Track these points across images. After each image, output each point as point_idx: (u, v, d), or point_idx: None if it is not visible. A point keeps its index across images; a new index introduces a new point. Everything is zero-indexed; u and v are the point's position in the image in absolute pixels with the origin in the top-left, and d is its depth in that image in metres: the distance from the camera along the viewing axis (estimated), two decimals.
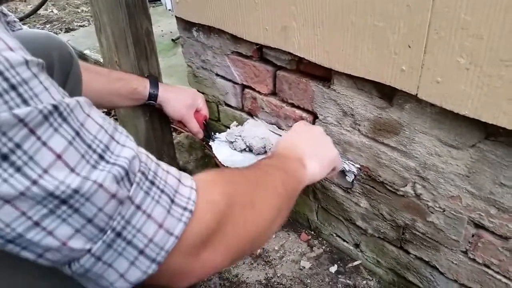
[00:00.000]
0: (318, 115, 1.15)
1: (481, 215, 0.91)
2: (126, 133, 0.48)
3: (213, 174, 0.56)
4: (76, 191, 0.39)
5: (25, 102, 0.37)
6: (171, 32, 2.85)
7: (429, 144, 0.92)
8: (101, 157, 0.42)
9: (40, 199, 0.38)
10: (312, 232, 1.47)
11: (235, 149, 1.13)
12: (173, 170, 0.51)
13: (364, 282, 1.28)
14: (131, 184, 0.44)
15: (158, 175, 0.47)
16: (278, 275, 1.31)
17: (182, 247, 0.47)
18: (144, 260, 0.45)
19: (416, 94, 0.85)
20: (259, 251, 1.39)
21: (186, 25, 1.46)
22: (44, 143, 0.38)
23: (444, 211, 0.98)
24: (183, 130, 1.88)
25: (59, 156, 0.39)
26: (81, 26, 3.57)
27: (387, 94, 0.95)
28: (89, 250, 0.42)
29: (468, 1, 0.70)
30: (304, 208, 1.44)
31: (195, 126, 1.20)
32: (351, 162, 1.14)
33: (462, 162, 0.89)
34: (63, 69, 0.93)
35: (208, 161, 1.71)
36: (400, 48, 0.84)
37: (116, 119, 1.80)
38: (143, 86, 1.17)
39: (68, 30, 3.42)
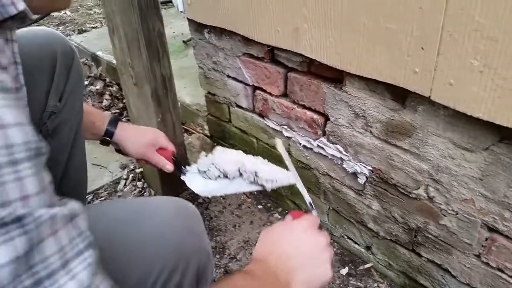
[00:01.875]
0: (330, 117, 1.15)
1: (495, 219, 0.90)
2: (91, 259, 0.41)
3: None
4: None
5: None
6: (182, 33, 2.86)
7: (442, 147, 0.92)
8: (37, 284, 0.37)
9: None
10: None
11: (209, 178, 1.11)
12: None
13: (375, 285, 1.28)
14: None
15: None
16: None
17: None
18: None
19: (429, 96, 0.85)
20: None
21: (197, 27, 1.46)
22: None
23: (457, 214, 0.97)
24: (194, 131, 1.89)
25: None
26: (93, 27, 3.60)
27: (399, 96, 0.94)
28: None
29: (482, 3, 0.69)
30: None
31: (159, 161, 1.16)
32: (363, 164, 1.13)
33: (476, 165, 0.88)
34: (66, 63, 0.94)
35: None
36: (413, 50, 0.83)
37: (128, 120, 1.82)
38: (101, 122, 1.12)
39: (80, 32, 3.46)
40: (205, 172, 1.11)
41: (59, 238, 0.38)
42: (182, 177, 1.15)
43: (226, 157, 1.09)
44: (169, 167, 1.15)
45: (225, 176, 1.08)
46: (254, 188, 1.03)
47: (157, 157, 1.16)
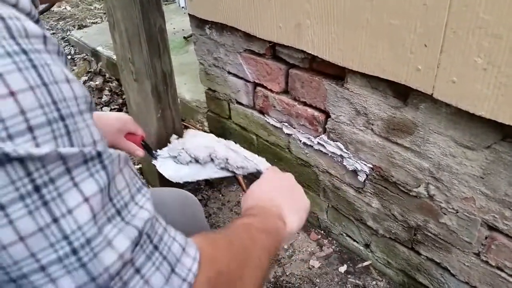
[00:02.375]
0: (331, 114, 1.15)
1: (495, 217, 0.90)
2: (149, 195, 0.47)
3: (211, 248, 0.54)
4: (88, 241, 0.39)
5: (68, 134, 0.38)
6: (183, 29, 2.86)
7: (444, 145, 0.91)
8: (118, 213, 0.42)
9: (53, 242, 0.38)
10: (322, 232, 1.46)
11: (180, 162, 1.10)
12: (180, 237, 0.50)
13: (374, 282, 1.28)
14: (135, 246, 0.43)
15: (163, 240, 0.46)
16: (287, 274, 1.31)
17: None
18: None
19: (432, 94, 0.85)
20: None
21: (199, 22, 1.46)
22: (76, 184, 0.38)
23: (457, 212, 0.97)
24: (194, 128, 1.89)
25: (86, 200, 0.39)
26: (93, 23, 3.59)
27: (401, 93, 0.94)
28: None
29: (487, 0, 0.69)
30: (314, 207, 1.43)
31: (130, 147, 1.12)
32: (363, 162, 1.13)
33: (477, 163, 0.88)
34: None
35: None
36: (416, 47, 0.83)
37: None
38: None
39: (80, 27, 3.45)
40: (175, 157, 1.11)
41: (124, 175, 0.44)
42: (153, 162, 1.14)
43: (197, 141, 1.08)
44: (139, 152, 1.12)
45: (197, 161, 1.07)
46: (226, 174, 1.03)
47: (126, 144, 1.12)
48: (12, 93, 0.34)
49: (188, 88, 2.04)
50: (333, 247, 1.40)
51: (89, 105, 0.42)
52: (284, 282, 1.29)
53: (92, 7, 4.09)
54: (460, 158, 0.90)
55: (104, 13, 3.68)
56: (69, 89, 0.39)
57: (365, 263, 1.33)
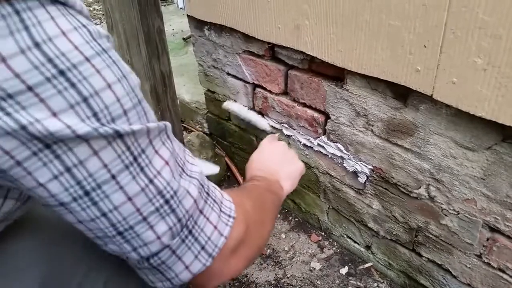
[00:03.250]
0: (330, 115, 1.14)
1: (496, 219, 0.89)
2: (191, 153, 0.58)
3: (237, 196, 0.65)
4: (175, 192, 0.50)
5: (145, 115, 0.48)
6: (182, 31, 2.85)
7: (444, 146, 0.91)
8: (183, 170, 0.53)
9: (151, 197, 0.48)
10: (323, 233, 1.45)
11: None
12: (217, 186, 0.61)
13: (375, 284, 1.27)
14: (199, 193, 0.54)
15: (210, 188, 0.58)
16: (288, 276, 1.31)
17: (225, 247, 0.56)
18: (204, 254, 0.54)
19: (432, 95, 0.84)
20: (268, 251, 1.39)
21: (197, 23, 1.45)
22: (156, 152, 0.48)
23: (458, 214, 0.96)
24: (193, 129, 1.88)
25: (166, 163, 0.49)
26: None
27: (401, 94, 0.93)
28: (168, 245, 0.51)
29: (486, 0, 0.68)
30: (314, 209, 1.43)
31: None
32: (363, 163, 1.12)
33: (478, 165, 0.87)
34: None
35: (219, 160, 1.70)
36: (415, 48, 0.82)
37: None
38: None
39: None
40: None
41: (176, 142, 0.54)
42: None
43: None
44: None
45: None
46: None
47: None
48: (109, 85, 0.43)
49: (188, 89, 2.03)
50: (334, 248, 1.40)
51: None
52: (285, 284, 1.28)
53: (91, 8, 4.08)
54: (461, 159, 0.89)
55: (103, 14, 3.67)
56: (134, 79, 0.48)
57: (366, 265, 1.33)
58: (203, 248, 0.54)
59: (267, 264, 1.35)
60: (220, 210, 0.57)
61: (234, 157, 1.72)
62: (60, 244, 0.62)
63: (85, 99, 0.41)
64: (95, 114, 0.42)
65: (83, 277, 0.61)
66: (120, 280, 0.64)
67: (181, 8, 3.30)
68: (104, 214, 0.46)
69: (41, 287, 0.56)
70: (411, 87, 0.87)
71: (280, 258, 1.36)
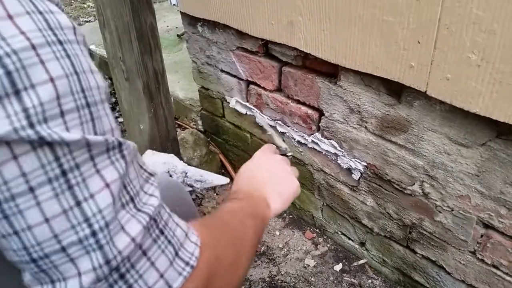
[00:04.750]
0: (324, 112, 1.13)
1: (490, 215, 0.89)
2: (156, 183, 0.50)
3: (209, 234, 0.56)
4: (107, 224, 0.41)
5: (92, 121, 0.41)
6: (176, 27, 2.83)
7: (438, 142, 0.90)
8: (132, 200, 0.45)
9: (75, 224, 0.40)
10: (317, 230, 1.45)
11: None
12: (183, 224, 0.51)
13: (370, 281, 1.27)
14: (143, 231, 0.45)
15: (168, 225, 0.48)
16: (282, 273, 1.30)
17: None
18: None
19: (425, 91, 0.83)
20: (262, 248, 1.38)
21: (191, 20, 1.44)
22: (98, 171, 0.41)
23: (452, 210, 0.96)
24: (187, 126, 1.87)
25: (107, 185, 0.41)
26: (87, 21, 3.56)
27: (395, 91, 0.93)
28: None
29: None
30: (309, 206, 1.42)
31: None
32: (357, 160, 1.12)
33: (472, 161, 0.87)
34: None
35: (213, 158, 1.70)
36: (409, 43, 0.82)
37: (120, 115, 1.79)
38: None
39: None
40: None
41: (134, 166, 0.46)
42: None
43: (156, 159, 1.08)
44: None
45: None
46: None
47: None
48: (51, 79, 0.37)
49: (182, 87, 2.02)
50: (328, 245, 1.39)
51: (107, 95, 0.45)
52: (279, 281, 1.28)
53: (85, 5, 4.05)
54: (455, 156, 0.89)
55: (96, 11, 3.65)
56: (94, 79, 0.42)
57: (361, 262, 1.32)
58: None
59: (261, 261, 1.34)
60: (176, 254, 0.47)
61: (229, 154, 1.71)
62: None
63: (17, 92, 0.35)
64: (25, 110, 0.36)
65: None
66: None
67: (174, 5, 3.27)
68: (16, 233, 0.39)
69: None
70: (405, 84, 0.87)
71: (275, 255, 1.36)
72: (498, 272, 0.94)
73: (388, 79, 0.90)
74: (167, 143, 1.49)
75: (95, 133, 0.41)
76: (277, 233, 1.45)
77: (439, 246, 1.04)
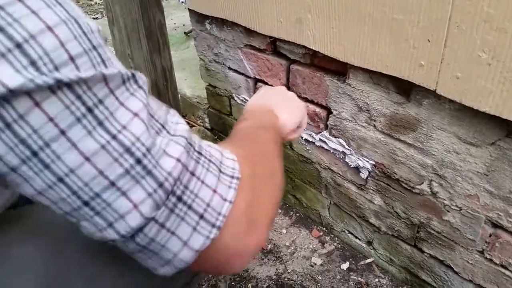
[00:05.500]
0: (332, 110, 1.13)
1: (499, 215, 0.89)
2: (177, 114, 0.50)
3: (238, 149, 0.57)
4: (148, 150, 0.41)
5: (103, 62, 0.40)
6: (184, 25, 2.84)
7: (447, 141, 0.90)
8: (163, 127, 0.45)
9: (117, 156, 0.39)
10: (324, 229, 1.45)
11: None
12: (215, 145, 0.53)
13: (377, 280, 1.27)
14: (184, 152, 0.45)
15: (203, 147, 0.49)
16: (289, 271, 1.30)
17: (235, 215, 0.48)
18: (205, 224, 0.45)
19: (435, 90, 0.83)
20: (269, 246, 1.38)
21: (199, 17, 1.44)
22: (122, 103, 0.40)
23: (460, 210, 0.95)
24: (195, 124, 1.87)
25: (136, 114, 0.41)
26: (94, 18, 3.58)
27: (404, 89, 0.92)
28: (153, 217, 0.42)
29: None
30: (316, 204, 1.42)
31: None
32: (365, 159, 1.12)
33: (481, 160, 0.86)
34: None
35: None
36: (419, 42, 0.81)
37: None
38: None
39: None
40: None
41: (153, 98, 0.46)
42: None
43: None
44: None
45: None
46: None
47: None
48: (49, 27, 0.36)
49: (189, 84, 2.03)
50: (335, 244, 1.39)
51: (105, 40, 0.44)
52: (286, 279, 1.28)
53: (93, 3, 4.07)
54: (464, 155, 0.89)
55: (104, 8, 3.66)
56: (92, 23, 0.41)
57: (368, 260, 1.32)
58: (201, 217, 0.45)
59: (268, 259, 1.34)
60: (220, 170, 0.48)
61: None
62: (64, 249, 0.57)
63: (18, 45, 0.35)
64: (33, 63, 0.35)
65: (89, 280, 0.56)
66: (127, 282, 0.59)
67: (182, 2, 3.28)
68: (60, 179, 0.39)
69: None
70: (414, 82, 0.86)
71: (281, 253, 1.36)
72: (507, 272, 0.94)
73: (397, 78, 0.89)
74: None
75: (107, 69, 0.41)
76: (284, 231, 1.45)
77: (447, 245, 1.04)
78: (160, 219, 0.43)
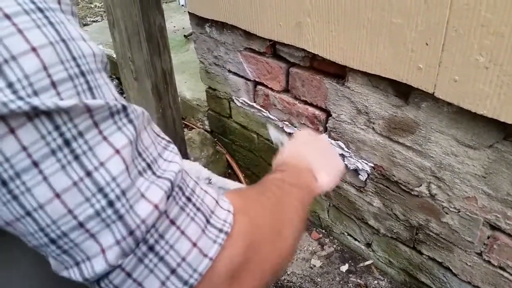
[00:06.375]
0: (331, 113, 1.14)
1: (497, 217, 0.89)
2: (176, 150, 0.46)
3: (241, 199, 0.53)
4: (123, 192, 0.38)
5: (90, 90, 0.38)
6: (183, 28, 2.85)
7: (445, 144, 0.91)
8: (149, 167, 0.41)
9: (89, 196, 0.37)
10: (323, 231, 1.46)
11: None
12: (211, 191, 0.49)
13: (376, 282, 1.27)
14: (168, 198, 0.42)
15: (195, 192, 0.45)
16: (288, 273, 1.31)
17: (214, 274, 0.44)
18: (175, 281, 0.42)
19: (433, 93, 0.84)
20: None
21: (199, 21, 1.45)
22: (105, 138, 0.38)
23: (459, 212, 0.96)
24: (194, 126, 1.88)
25: (117, 151, 0.38)
26: (94, 21, 3.59)
27: (403, 92, 0.93)
28: (119, 265, 0.40)
29: None
30: (315, 206, 1.43)
31: None
32: (364, 161, 1.13)
33: (479, 163, 0.87)
34: None
35: (219, 158, 1.70)
36: (417, 45, 0.82)
37: None
38: None
39: (81, 26, 3.44)
40: None
41: (149, 133, 0.43)
42: None
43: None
44: None
45: None
46: None
47: None
48: (33, 49, 0.34)
49: (189, 87, 2.03)
50: (334, 246, 1.40)
51: (105, 65, 0.42)
52: (286, 281, 1.28)
53: (93, 5, 4.08)
54: (462, 157, 0.89)
55: (105, 12, 3.67)
56: (86, 46, 0.39)
57: (367, 262, 1.33)
58: (173, 271, 0.41)
59: None
60: (208, 221, 0.44)
61: (235, 154, 1.72)
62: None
63: None
64: (10, 85, 0.33)
65: None
66: None
67: (182, 6, 3.29)
68: (28, 213, 0.37)
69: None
70: (412, 85, 0.87)
71: None
72: (505, 274, 0.94)
73: (396, 81, 0.90)
74: (175, 144, 1.50)
75: (93, 98, 0.38)
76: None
77: (446, 247, 1.04)
78: (127, 268, 0.40)
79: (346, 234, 1.37)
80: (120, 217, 0.38)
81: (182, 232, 0.42)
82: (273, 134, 1.13)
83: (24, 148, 0.34)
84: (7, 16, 0.33)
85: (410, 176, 1.02)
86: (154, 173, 0.41)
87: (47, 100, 0.34)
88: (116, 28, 1.32)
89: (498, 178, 0.85)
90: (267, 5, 1.11)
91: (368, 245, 1.30)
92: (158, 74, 1.36)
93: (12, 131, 0.34)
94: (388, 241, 1.22)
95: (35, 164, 0.35)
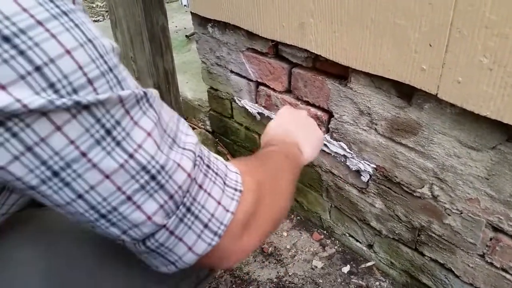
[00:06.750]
0: (334, 114, 1.14)
1: (500, 219, 0.89)
2: (187, 123, 0.53)
3: (245, 165, 0.60)
4: (162, 167, 0.45)
5: (119, 83, 0.42)
6: (185, 28, 2.85)
7: (448, 145, 0.91)
8: (173, 141, 0.48)
9: (134, 173, 0.43)
10: (325, 232, 1.45)
11: None
12: (221, 158, 0.57)
13: (377, 283, 1.27)
14: (194, 167, 0.49)
15: (211, 160, 0.53)
16: (290, 274, 1.31)
17: (234, 224, 0.52)
18: (208, 233, 0.50)
19: (436, 94, 0.84)
20: (270, 249, 1.39)
21: (201, 21, 1.45)
22: (136, 123, 0.43)
23: (461, 213, 0.96)
24: (196, 127, 1.88)
25: (149, 134, 0.44)
26: (95, 21, 3.59)
27: (406, 93, 0.93)
28: (164, 225, 0.47)
29: None
30: (316, 207, 1.42)
31: None
32: (366, 162, 1.12)
33: (482, 164, 0.87)
34: None
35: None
36: (420, 46, 0.82)
37: None
38: None
39: None
40: None
41: (165, 110, 0.49)
42: None
43: None
44: None
45: None
46: None
47: None
48: (67, 51, 0.38)
49: (190, 87, 2.03)
50: (336, 247, 1.40)
51: (120, 56, 0.46)
52: (287, 282, 1.28)
53: (94, 5, 4.08)
54: (465, 159, 0.89)
55: (106, 11, 3.67)
56: (107, 42, 0.43)
57: (368, 264, 1.33)
58: (206, 226, 0.50)
59: (269, 262, 1.35)
60: (224, 183, 0.53)
61: (236, 155, 1.72)
62: (61, 241, 0.60)
63: (37, 68, 0.36)
64: (51, 85, 0.37)
65: (91, 270, 0.59)
66: (128, 274, 0.62)
67: (184, 5, 3.30)
68: (80, 196, 0.41)
69: (44, 280, 0.55)
70: (415, 86, 0.87)
71: (282, 256, 1.36)
72: (508, 276, 0.94)
73: (399, 82, 0.90)
74: None
75: (123, 90, 0.43)
76: (285, 234, 1.45)
77: (448, 249, 1.04)
78: (171, 227, 0.47)
79: (347, 235, 1.36)
80: (162, 187, 0.45)
81: (209, 194, 0.50)
82: None
83: (72, 142, 0.39)
84: (40, 23, 0.36)
85: (412, 177, 1.02)
86: (179, 146, 0.48)
87: (88, 96, 0.38)
88: (118, 28, 1.32)
89: (501, 180, 0.85)
90: (270, 6, 1.11)
91: (370, 246, 1.30)
92: (160, 74, 1.36)
93: (58, 128, 0.38)
94: (390, 243, 1.22)
95: (83, 154, 0.40)
